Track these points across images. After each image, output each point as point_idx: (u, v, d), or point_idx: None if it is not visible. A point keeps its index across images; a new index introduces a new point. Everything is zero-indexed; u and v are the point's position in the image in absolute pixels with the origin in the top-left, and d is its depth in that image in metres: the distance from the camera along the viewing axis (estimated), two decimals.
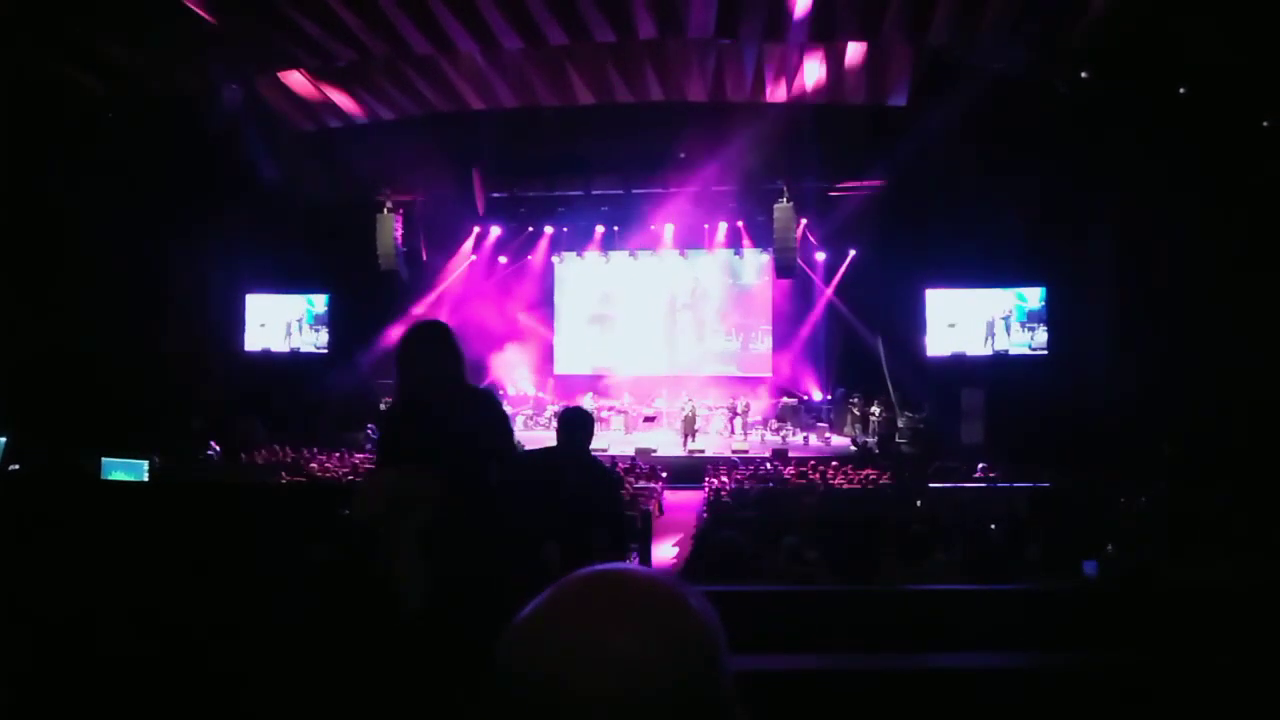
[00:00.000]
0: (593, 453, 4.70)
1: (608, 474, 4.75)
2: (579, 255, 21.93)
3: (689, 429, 17.90)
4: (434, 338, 3.23)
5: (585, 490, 4.26)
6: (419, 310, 19.88)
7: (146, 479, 9.48)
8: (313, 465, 14.46)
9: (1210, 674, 3.20)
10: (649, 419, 19.71)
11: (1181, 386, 13.75)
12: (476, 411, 3.20)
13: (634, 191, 19.62)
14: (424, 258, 20.15)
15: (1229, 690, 3.15)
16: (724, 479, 14.57)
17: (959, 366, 18.26)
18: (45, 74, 12.98)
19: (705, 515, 12.13)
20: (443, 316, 20.00)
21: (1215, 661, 3.24)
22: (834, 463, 15.09)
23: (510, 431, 3.40)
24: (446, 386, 3.14)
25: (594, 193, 19.94)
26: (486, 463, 3.11)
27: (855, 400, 19.08)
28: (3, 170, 13.67)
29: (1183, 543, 7.11)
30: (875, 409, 18.44)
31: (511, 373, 21.18)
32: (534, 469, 4.46)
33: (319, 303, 21.04)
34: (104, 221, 15.02)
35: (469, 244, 21.21)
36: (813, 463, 15.16)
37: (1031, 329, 18.31)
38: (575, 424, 4.49)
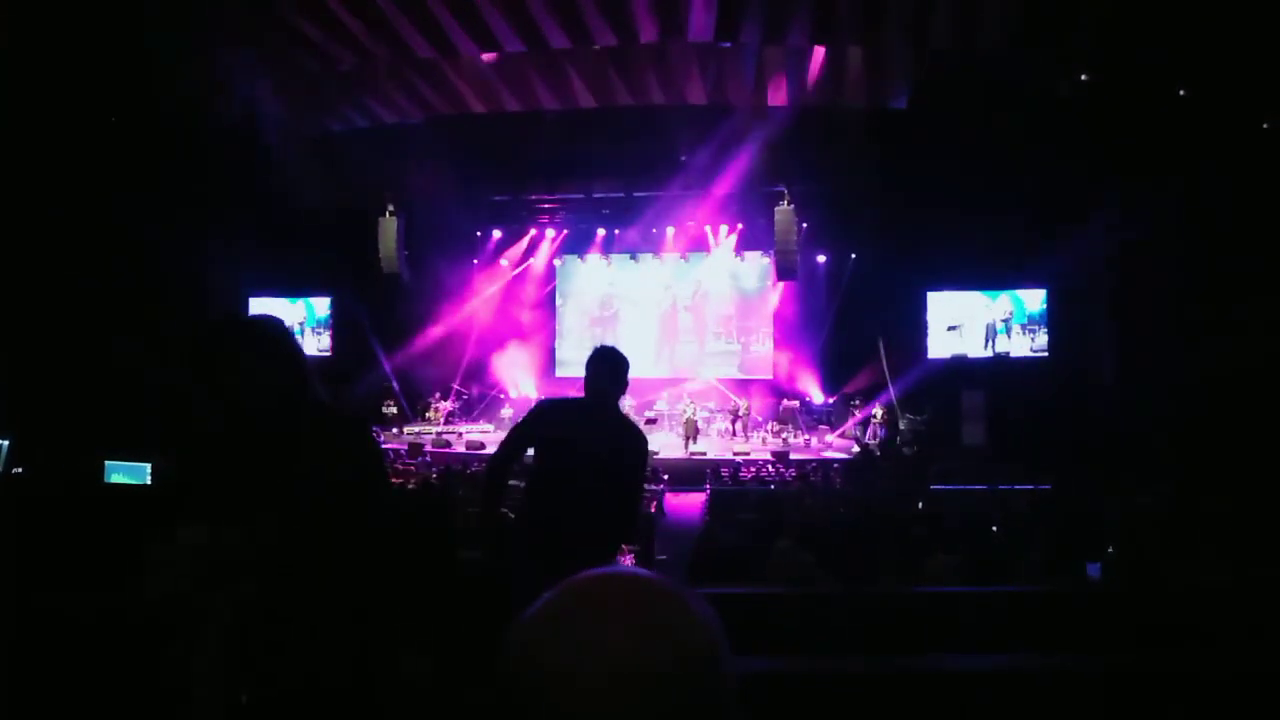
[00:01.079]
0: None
1: (637, 435, 3.78)
2: (580, 258, 21.96)
3: (690, 431, 17.89)
4: (260, 337, 2.24)
5: (610, 454, 3.51)
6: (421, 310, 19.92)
7: (149, 482, 9.49)
8: None
9: (1213, 675, 3.20)
10: (650, 421, 19.70)
11: (1182, 388, 13.75)
12: (333, 449, 2.20)
13: (635, 194, 19.64)
14: (425, 261, 20.19)
15: (1231, 691, 3.15)
16: (725, 481, 14.57)
17: (960, 369, 18.28)
18: (46, 78, 13.01)
19: (706, 518, 12.13)
20: (445, 318, 20.07)
21: (1217, 662, 3.25)
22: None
23: (384, 480, 2.41)
24: (284, 410, 2.18)
25: (595, 196, 19.97)
26: (344, 523, 2.11)
27: (856, 402, 19.10)
28: (1, 175, 13.70)
29: (1185, 544, 7.10)
30: (877, 411, 18.46)
31: (513, 375, 21.22)
32: (552, 423, 3.70)
33: (320, 306, 21.06)
34: (105, 224, 15.04)
35: (470, 247, 21.25)
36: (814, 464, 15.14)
37: (1032, 332, 18.33)
38: (606, 364, 3.62)
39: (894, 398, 18.36)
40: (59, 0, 11.74)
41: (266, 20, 12.53)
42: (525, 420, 3.87)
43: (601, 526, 3.50)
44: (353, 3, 12.33)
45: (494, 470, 3.88)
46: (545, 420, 3.79)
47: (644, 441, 3.89)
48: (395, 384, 20.18)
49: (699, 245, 21.05)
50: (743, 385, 20.56)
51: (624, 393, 3.77)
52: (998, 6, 11.67)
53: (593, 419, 3.63)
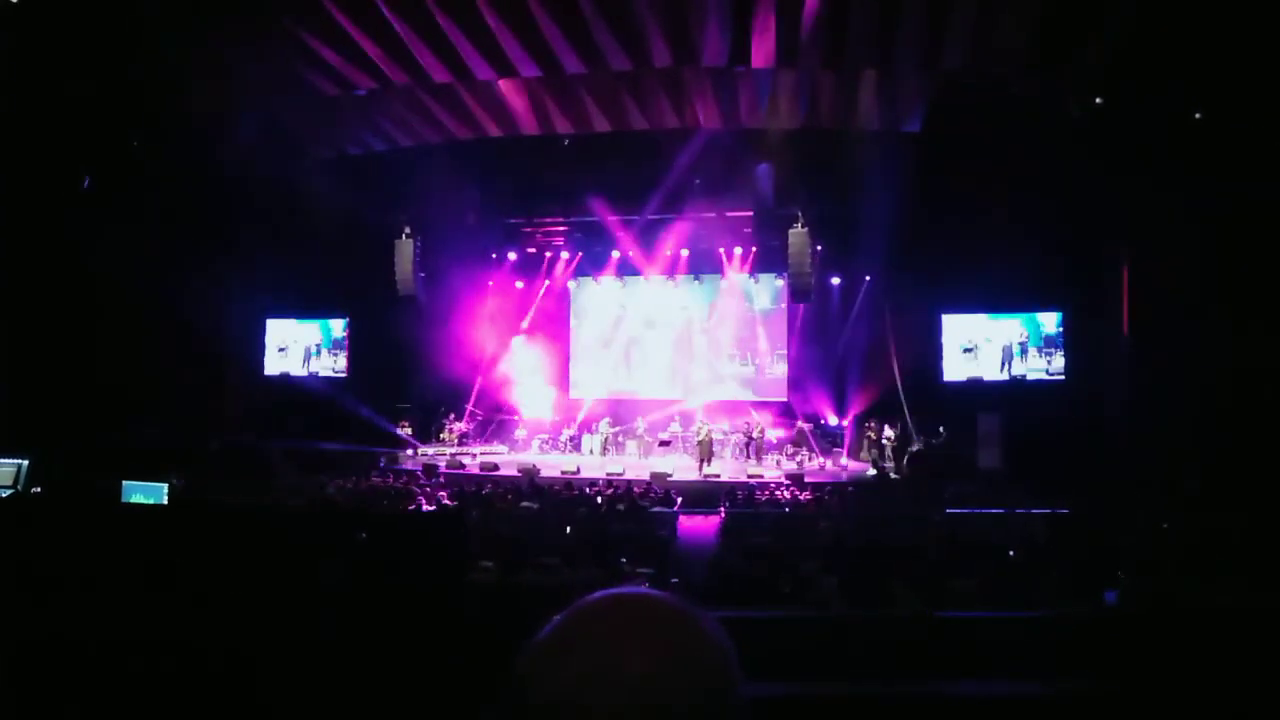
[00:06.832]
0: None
1: None
2: (595, 280, 22.02)
3: (704, 453, 17.82)
4: None
5: None
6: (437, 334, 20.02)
7: (166, 502, 9.53)
8: (330, 489, 14.47)
9: (1230, 698, 3.16)
10: (664, 443, 19.67)
11: (1198, 411, 13.62)
12: None
13: (650, 217, 19.71)
14: (441, 283, 20.31)
15: (1248, 714, 3.11)
16: (740, 504, 14.47)
17: (976, 392, 18.18)
18: (69, 105, 13.21)
19: (721, 541, 12.07)
20: (460, 340, 20.22)
21: (1235, 686, 3.20)
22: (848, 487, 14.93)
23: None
24: None
25: (610, 218, 20.04)
26: None
27: (871, 424, 19.00)
28: (27, 200, 13.89)
29: (1203, 568, 7.03)
30: (891, 433, 18.34)
31: (526, 396, 21.26)
32: None
33: (337, 327, 21.20)
34: (127, 248, 15.21)
35: (486, 269, 21.36)
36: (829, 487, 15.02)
37: (1048, 354, 18.23)
38: None
39: (909, 420, 18.26)
40: (80, 31, 11.94)
41: (286, 45, 12.71)
42: None
43: None
44: (371, 28, 12.49)
45: None
46: None
47: None
48: (410, 404, 20.26)
49: (713, 267, 21.09)
50: (757, 407, 20.50)
51: None
52: (1009, 31, 11.71)
53: None
